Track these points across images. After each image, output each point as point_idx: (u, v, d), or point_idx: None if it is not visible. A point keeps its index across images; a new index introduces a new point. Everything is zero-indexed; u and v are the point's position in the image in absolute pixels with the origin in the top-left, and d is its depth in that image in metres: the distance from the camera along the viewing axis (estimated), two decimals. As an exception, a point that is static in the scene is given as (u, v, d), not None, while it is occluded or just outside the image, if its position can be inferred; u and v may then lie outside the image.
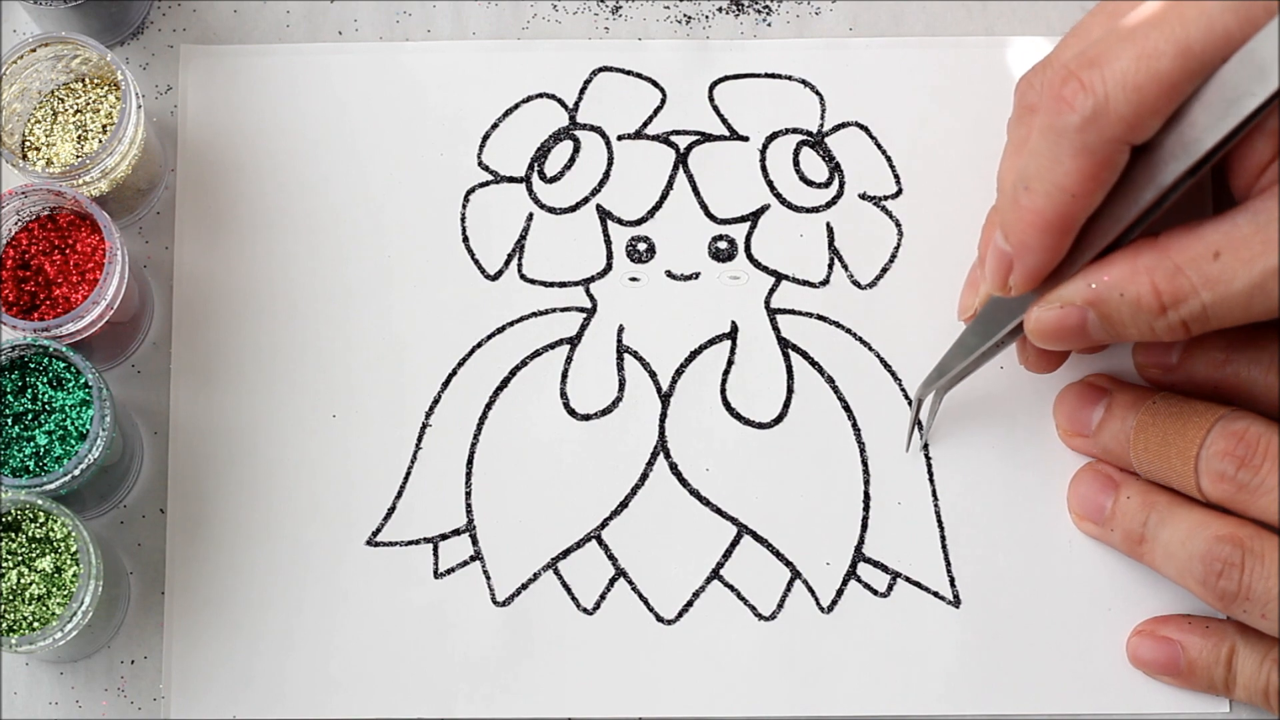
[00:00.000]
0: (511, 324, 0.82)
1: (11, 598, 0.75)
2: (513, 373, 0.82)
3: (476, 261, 0.82)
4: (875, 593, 0.80)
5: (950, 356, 0.78)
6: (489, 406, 0.81)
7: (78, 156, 0.79)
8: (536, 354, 0.82)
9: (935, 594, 0.80)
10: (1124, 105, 0.68)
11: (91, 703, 0.79)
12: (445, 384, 0.81)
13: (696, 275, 0.82)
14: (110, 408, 0.75)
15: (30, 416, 0.76)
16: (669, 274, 0.82)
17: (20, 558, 0.75)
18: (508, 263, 0.82)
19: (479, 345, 0.82)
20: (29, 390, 0.76)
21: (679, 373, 0.81)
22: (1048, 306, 0.73)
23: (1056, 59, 0.72)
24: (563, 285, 0.82)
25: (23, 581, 0.75)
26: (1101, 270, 0.72)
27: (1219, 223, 0.70)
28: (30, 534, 0.75)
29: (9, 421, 0.76)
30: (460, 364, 0.82)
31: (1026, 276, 0.73)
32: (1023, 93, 0.74)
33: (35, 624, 0.75)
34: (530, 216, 0.83)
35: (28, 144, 0.80)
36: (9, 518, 0.75)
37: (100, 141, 0.79)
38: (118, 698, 0.79)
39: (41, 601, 0.75)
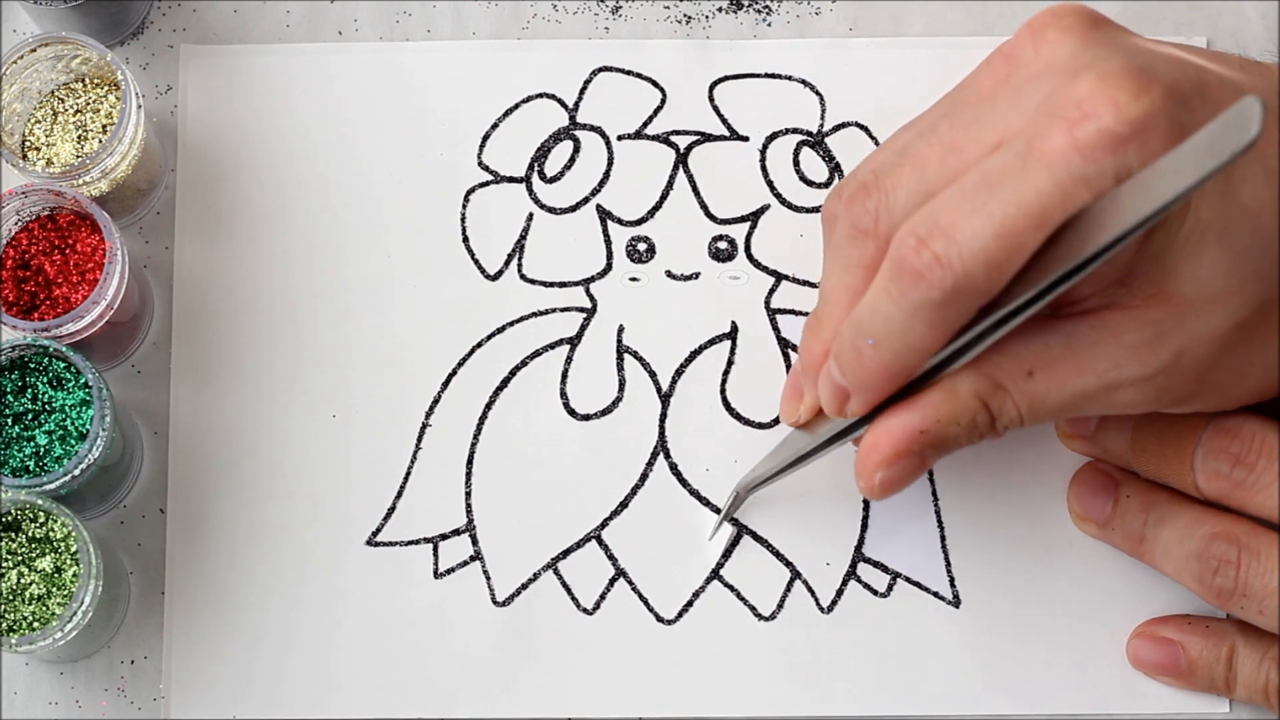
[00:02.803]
0: (511, 324, 0.82)
1: (11, 598, 0.75)
2: (513, 373, 0.82)
3: (476, 261, 0.82)
4: (875, 593, 0.80)
5: (777, 457, 0.76)
6: (489, 406, 0.81)
7: (78, 156, 0.79)
8: (536, 354, 0.82)
9: (935, 594, 0.80)
10: (984, 281, 0.66)
11: (91, 703, 0.79)
12: (445, 384, 0.81)
13: (696, 275, 0.82)
14: (110, 408, 0.75)
15: (30, 416, 0.76)
16: (669, 274, 0.82)
17: (20, 558, 0.75)
18: (508, 263, 0.82)
19: (479, 345, 0.82)
20: (29, 390, 0.76)
21: (679, 373, 0.81)
22: (887, 469, 0.71)
23: (893, 201, 0.70)
24: (563, 285, 0.82)
25: (23, 581, 0.75)
26: (929, 410, 0.70)
27: (1030, 339, 0.70)
28: (30, 534, 0.75)
29: (9, 421, 0.76)
30: (460, 364, 0.82)
31: (865, 407, 0.71)
32: (855, 215, 0.71)
33: (35, 624, 0.75)
34: (530, 216, 0.83)
35: (28, 144, 0.80)
36: (9, 518, 0.75)
37: (100, 141, 0.79)
38: (118, 698, 0.79)
39: (41, 601, 0.75)
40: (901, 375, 0.70)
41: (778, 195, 0.83)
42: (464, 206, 0.83)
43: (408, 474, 0.81)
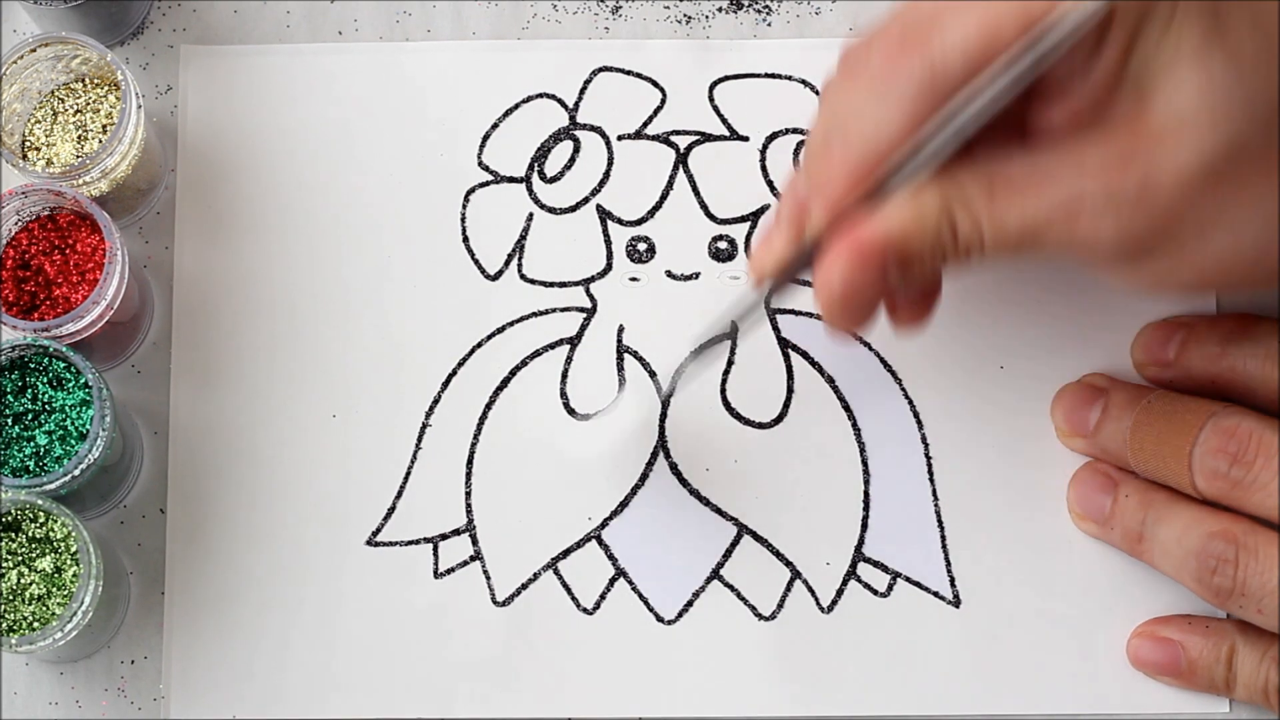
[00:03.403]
0: (511, 324, 0.82)
1: (11, 598, 0.75)
2: (513, 373, 0.82)
3: (476, 261, 0.82)
4: (875, 593, 0.80)
5: (727, 317, 0.76)
6: (489, 406, 0.81)
7: (78, 156, 0.79)
8: (536, 354, 0.82)
9: (935, 594, 0.80)
10: (960, 70, 0.67)
11: (91, 703, 0.79)
12: (445, 384, 0.81)
13: (696, 275, 0.82)
14: (110, 408, 0.75)
15: (30, 416, 0.76)
16: (669, 274, 0.82)
17: (20, 558, 0.75)
18: (508, 263, 0.82)
19: (479, 345, 0.82)
20: (29, 390, 0.76)
21: (679, 373, 0.81)
22: (846, 273, 0.70)
23: (892, 20, 0.70)
24: (563, 285, 0.82)
25: (23, 581, 0.75)
26: (891, 212, 0.69)
27: (994, 159, 0.69)
28: (30, 534, 0.75)
29: (9, 421, 0.76)
30: (460, 364, 0.82)
31: (825, 210, 0.70)
32: (850, 60, 0.71)
33: (35, 624, 0.75)
34: (530, 216, 0.83)
35: (28, 144, 0.80)
36: (9, 518, 0.75)
37: (100, 141, 0.79)
38: (118, 698, 0.79)
39: (41, 601, 0.75)
40: (865, 170, 0.69)
41: (778, 195, 0.83)
42: (464, 206, 0.83)
43: (408, 474, 0.81)
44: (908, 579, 0.80)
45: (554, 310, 0.82)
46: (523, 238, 0.83)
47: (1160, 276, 0.71)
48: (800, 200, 0.72)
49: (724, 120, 0.83)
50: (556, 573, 0.80)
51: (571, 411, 0.81)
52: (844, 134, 0.69)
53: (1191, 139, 0.67)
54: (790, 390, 0.81)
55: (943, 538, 0.80)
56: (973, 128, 0.68)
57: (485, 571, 0.80)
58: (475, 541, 0.80)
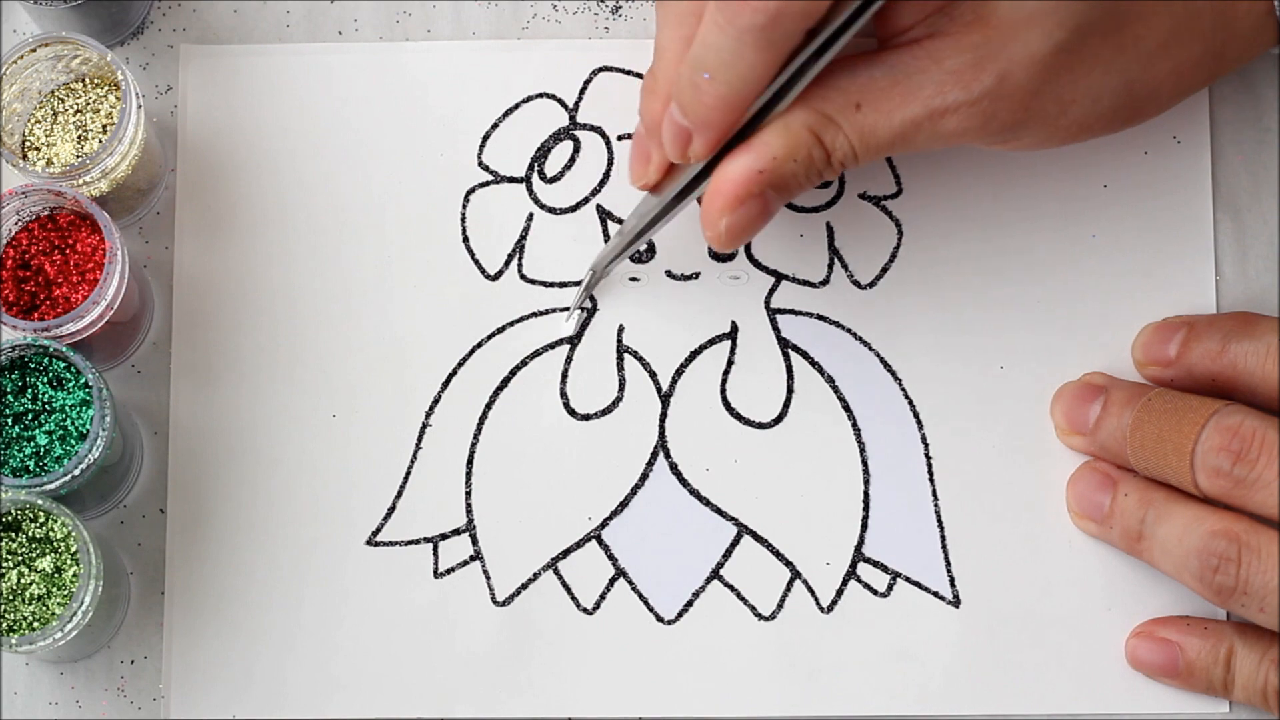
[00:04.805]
0: (511, 324, 0.82)
1: (11, 598, 0.75)
2: (513, 373, 0.82)
3: (476, 261, 0.82)
4: (875, 593, 0.80)
5: (627, 227, 0.78)
6: (489, 406, 0.81)
7: (78, 156, 0.79)
8: (536, 354, 0.82)
9: (935, 594, 0.80)
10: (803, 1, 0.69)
11: (91, 703, 0.79)
12: (445, 384, 0.81)
13: (696, 275, 0.82)
14: (110, 408, 0.75)
15: (30, 416, 0.76)
16: (669, 274, 0.82)
17: (20, 558, 0.75)
18: (508, 263, 0.82)
19: (479, 345, 0.82)
20: (29, 390, 0.76)
21: (679, 373, 0.81)
22: (731, 214, 0.74)
23: None
24: (563, 285, 0.82)
25: (23, 581, 0.75)
26: (764, 149, 0.73)
27: (856, 73, 0.73)
28: (30, 534, 0.75)
29: (9, 421, 0.76)
30: (460, 364, 0.82)
31: (708, 147, 0.74)
32: None
33: (35, 624, 0.75)
34: (530, 216, 0.83)
35: (28, 144, 0.80)
36: (9, 518, 0.75)
37: (100, 141, 0.79)
38: (118, 698, 0.79)
39: (41, 601, 0.75)
40: (737, 107, 0.72)
41: (778, 195, 0.83)
42: (464, 206, 0.83)
43: (408, 474, 0.81)
44: (908, 579, 0.80)
45: (554, 310, 0.82)
46: (523, 238, 0.83)
47: (1032, 145, 0.75)
48: (681, 129, 0.73)
49: (724, 120, 0.83)
50: (556, 573, 0.80)
51: (571, 411, 0.81)
52: (710, 74, 0.71)
53: (1040, 30, 0.71)
54: (790, 390, 0.81)
55: (943, 538, 0.80)
56: (832, 56, 0.71)
57: (485, 571, 0.80)
58: (475, 541, 0.80)
